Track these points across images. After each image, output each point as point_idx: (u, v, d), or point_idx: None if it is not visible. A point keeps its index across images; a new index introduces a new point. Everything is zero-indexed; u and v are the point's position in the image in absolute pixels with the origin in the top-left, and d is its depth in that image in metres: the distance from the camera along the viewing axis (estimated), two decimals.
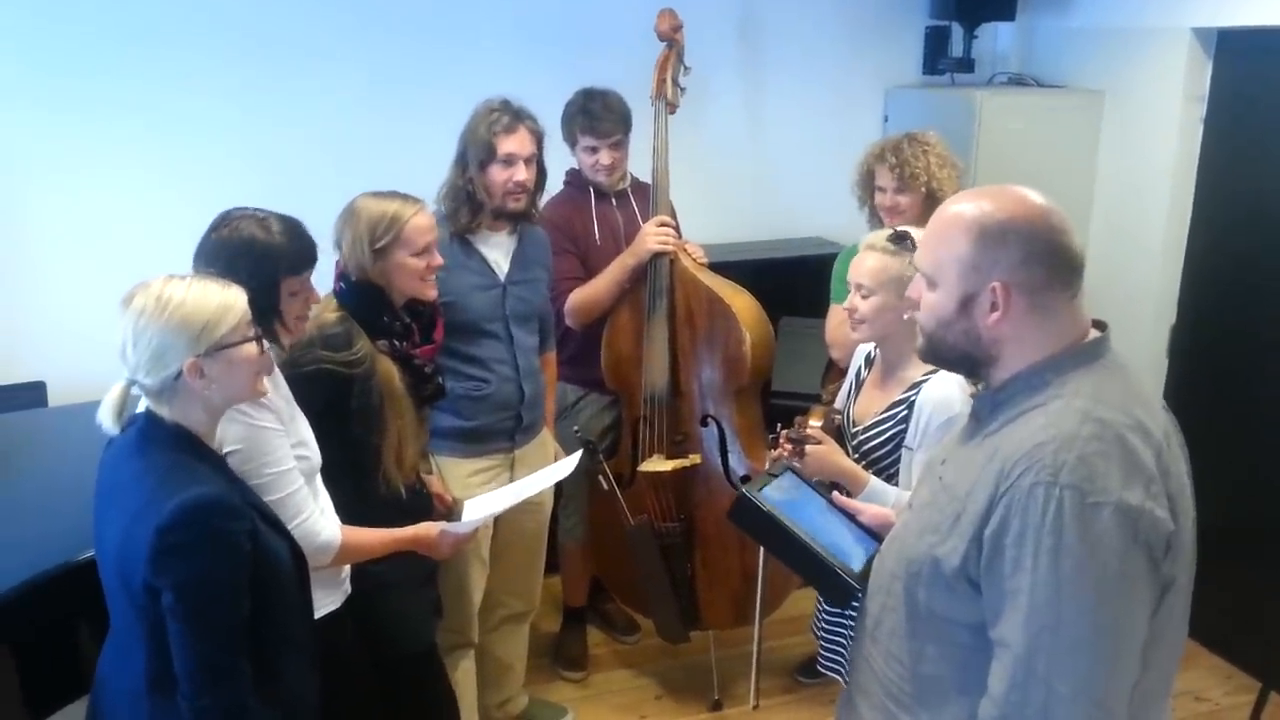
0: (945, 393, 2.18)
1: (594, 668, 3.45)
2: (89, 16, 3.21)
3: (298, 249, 1.94)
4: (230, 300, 1.67)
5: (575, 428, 3.07)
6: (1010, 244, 1.41)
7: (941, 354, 1.53)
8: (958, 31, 4.05)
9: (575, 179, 3.09)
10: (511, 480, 2.71)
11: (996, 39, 4.18)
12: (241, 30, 3.37)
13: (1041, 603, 1.32)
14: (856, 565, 1.74)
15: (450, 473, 2.66)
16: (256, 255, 1.89)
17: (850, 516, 1.85)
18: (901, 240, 2.20)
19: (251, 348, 1.69)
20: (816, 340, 3.50)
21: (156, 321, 1.61)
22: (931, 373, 2.21)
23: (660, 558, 3.04)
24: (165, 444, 1.67)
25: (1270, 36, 3.24)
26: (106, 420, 1.66)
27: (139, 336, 1.61)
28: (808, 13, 4.02)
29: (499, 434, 2.71)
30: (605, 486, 2.96)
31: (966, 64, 4.04)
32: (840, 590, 1.71)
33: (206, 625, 1.60)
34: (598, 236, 3.07)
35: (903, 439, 2.22)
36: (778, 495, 1.81)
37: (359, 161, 2.92)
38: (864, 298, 2.21)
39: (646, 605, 3.20)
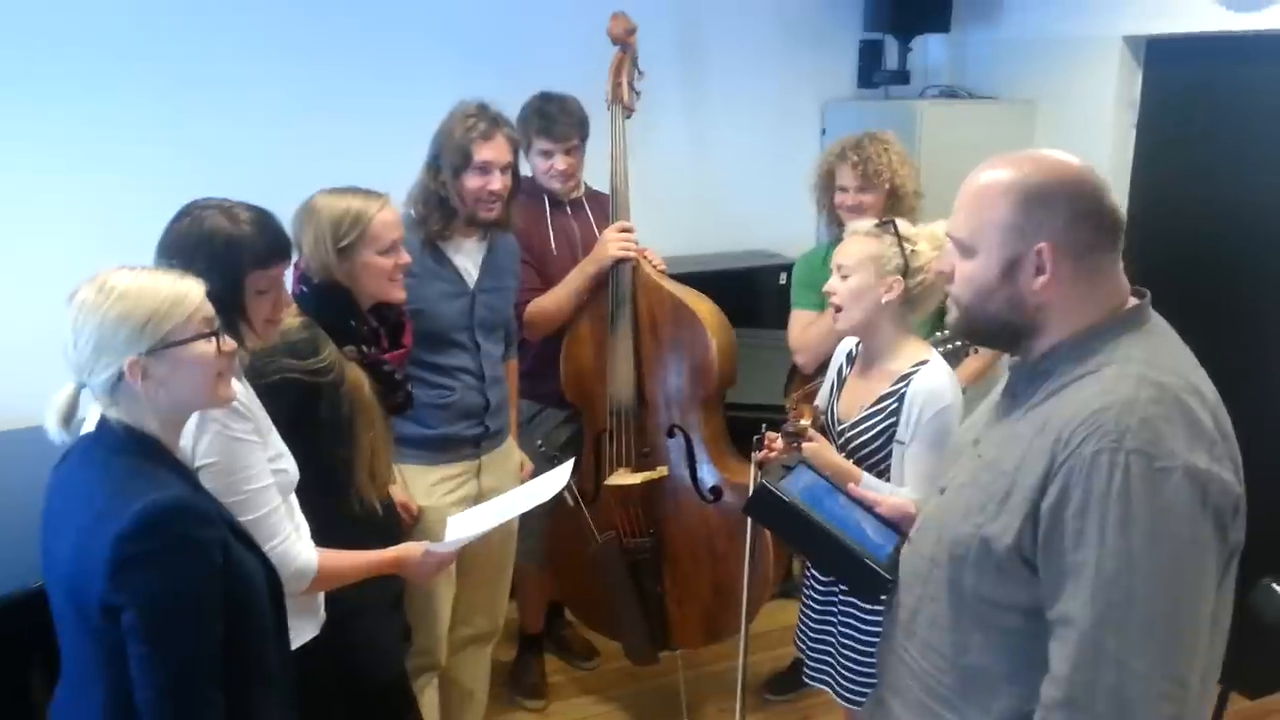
0: (936, 383, 2.14)
1: (554, 696, 3.30)
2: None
3: (266, 241, 1.78)
4: (182, 292, 1.49)
5: (539, 442, 2.95)
6: (1056, 205, 1.37)
7: (980, 326, 1.47)
8: (892, 44, 4.09)
9: (529, 187, 2.97)
10: (479, 488, 2.60)
11: (927, 52, 4.24)
12: (168, 40, 3.20)
13: (1110, 576, 1.26)
14: (881, 557, 1.66)
15: (415, 481, 2.52)
16: (219, 247, 1.73)
17: (867, 509, 1.78)
18: (886, 225, 2.18)
19: (205, 346, 1.50)
20: (771, 351, 3.46)
21: (95, 314, 1.44)
22: (920, 364, 2.18)
23: (629, 576, 2.92)
24: (121, 449, 1.48)
25: (1198, 43, 3.35)
26: (52, 425, 1.48)
27: (79, 332, 1.44)
28: (744, 29, 4.02)
29: (464, 441, 2.58)
30: (570, 503, 2.83)
31: (901, 76, 4.08)
32: (870, 583, 1.64)
33: (174, 647, 1.41)
34: (554, 246, 2.97)
35: (893, 433, 2.17)
36: (795, 487, 1.73)
37: (298, 175, 2.77)
38: (843, 278, 2.19)
39: (613, 628, 3.07)
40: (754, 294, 3.94)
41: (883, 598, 1.69)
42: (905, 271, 2.14)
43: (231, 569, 1.49)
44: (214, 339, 1.52)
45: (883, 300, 2.16)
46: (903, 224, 2.18)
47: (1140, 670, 1.26)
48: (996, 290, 1.42)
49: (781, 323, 3.82)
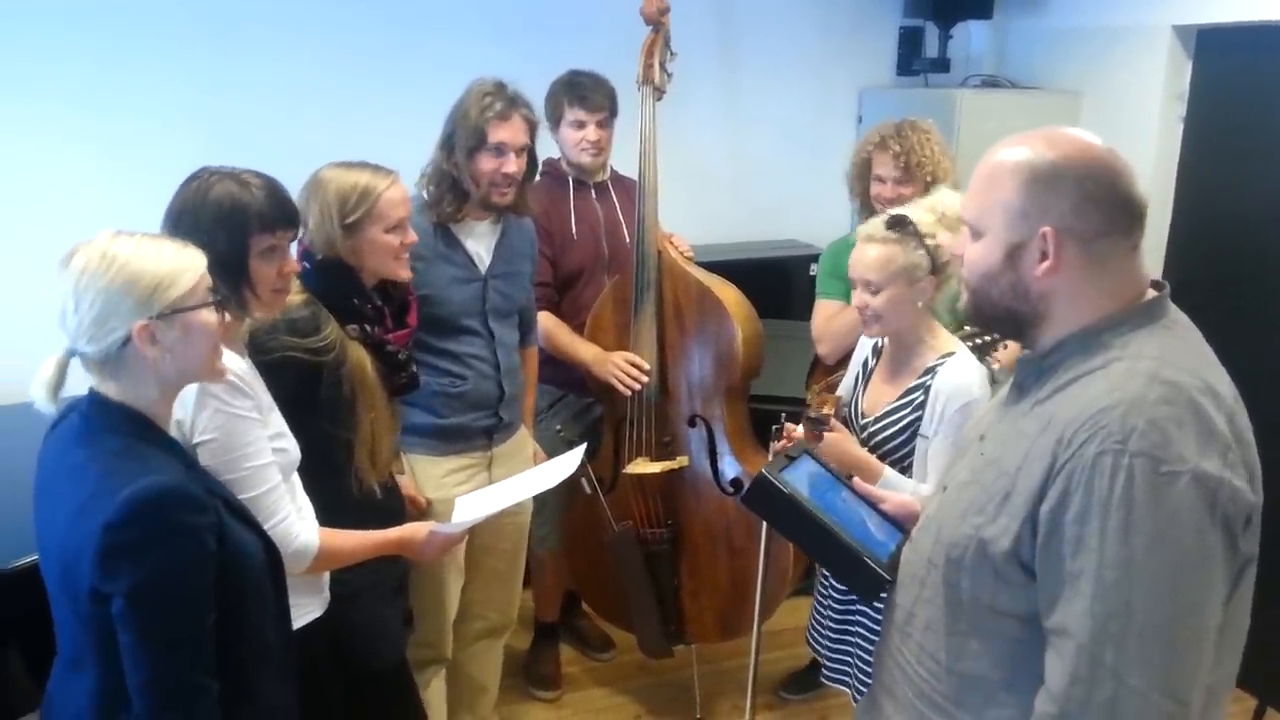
0: (963, 377, 2.07)
1: (568, 686, 3.27)
2: None
3: (273, 205, 1.76)
4: (187, 260, 1.48)
5: (559, 428, 2.91)
6: (1064, 187, 1.29)
7: (985, 312, 1.41)
8: (932, 32, 3.99)
9: (553, 169, 2.94)
10: (490, 480, 2.54)
11: (970, 40, 4.13)
12: (184, 9, 3.20)
13: (1110, 585, 1.20)
14: (883, 556, 1.60)
15: (424, 472, 2.48)
16: (226, 208, 1.71)
17: (872, 505, 1.72)
18: (902, 226, 2.07)
19: (210, 314, 1.49)
20: (795, 343, 3.39)
21: (101, 279, 1.41)
22: (946, 357, 2.11)
23: (645, 567, 2.88)
24: (111, 427, 1.46)
25: (1250, 33, 3.22)
26: (40, 397, 1.46)
27: (80, 297, 1.42)
28: (780, 13, 3.94)
29: (476, 432, 2.53)
30: (588, 490, 2.79)
31: (942, 64, 3.98)
32: (869, 581, 1.58)
33: (163, 636, 1.40)
34: (575, 231, 2.92)
35: (917, 427, 2.11)
36: (797, 479, 1.67)
37: (314, 147, 2.75)
38: (874, 294, 2.08)
39: (627, 619, 3.03)
40: (786, 284, 3.87)
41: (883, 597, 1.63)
42: (933, 268, 2.06)
43: (227, 551, 1.47)
44: (217, 308, 1.51)
45: (919, 305, 2.09)
46: (914, 214, 2.07)
47: (1137, 686, 1.19)
48: (1000, 275, 1.35)
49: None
